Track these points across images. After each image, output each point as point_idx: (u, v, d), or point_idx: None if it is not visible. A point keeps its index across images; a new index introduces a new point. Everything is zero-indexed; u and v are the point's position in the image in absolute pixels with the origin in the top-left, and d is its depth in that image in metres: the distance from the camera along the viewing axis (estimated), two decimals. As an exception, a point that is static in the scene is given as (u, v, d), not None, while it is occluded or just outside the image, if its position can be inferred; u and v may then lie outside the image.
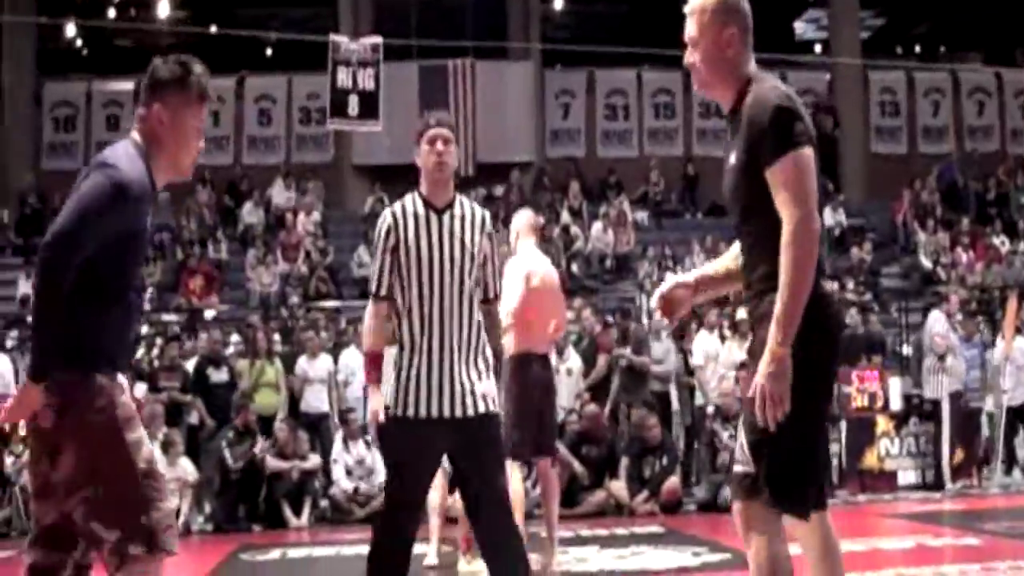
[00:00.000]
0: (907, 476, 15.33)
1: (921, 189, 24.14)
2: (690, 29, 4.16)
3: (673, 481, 13.47)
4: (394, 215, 5.85)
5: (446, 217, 5.84)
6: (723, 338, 15.47)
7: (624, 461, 13.73)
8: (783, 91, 4.02)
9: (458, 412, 5.68)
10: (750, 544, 4.05)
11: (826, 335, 3.99)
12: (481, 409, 5.72)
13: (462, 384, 5.71)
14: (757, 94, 4.00)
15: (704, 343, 15.54)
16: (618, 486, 13.42)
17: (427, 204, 5.87)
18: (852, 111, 26.06)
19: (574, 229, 22.13)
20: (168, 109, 4.28)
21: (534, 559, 8.49)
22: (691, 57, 4.17)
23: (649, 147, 25.78)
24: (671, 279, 4.49)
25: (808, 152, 3.92)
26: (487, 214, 5.99)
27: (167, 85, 4.29)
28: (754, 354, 3.97)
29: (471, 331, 5.81)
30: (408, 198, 5.92)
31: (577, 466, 13.25)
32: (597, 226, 22.18)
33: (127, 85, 24.63)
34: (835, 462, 15.53)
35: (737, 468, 4.09)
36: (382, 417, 5.70)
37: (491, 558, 5.71)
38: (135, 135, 4.31)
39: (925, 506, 13.65)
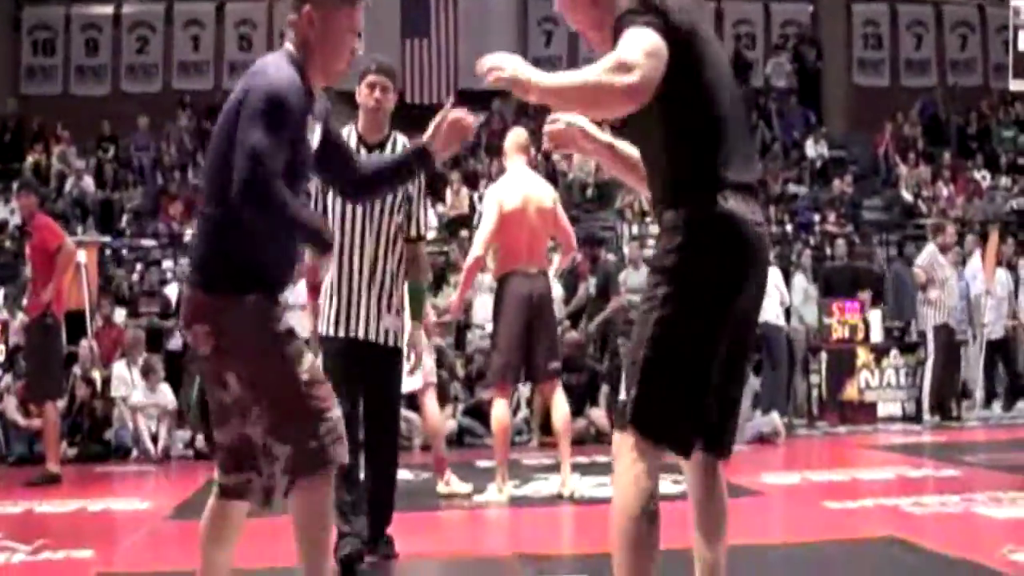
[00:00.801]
0: (887, 407, 15.38)
1: (903, 122, 24.08)
2: None
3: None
4: None
5: (376, 154, 6.14)
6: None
7: (604, 389, 13.76)
8: None
9: (371, 336, 6.24)
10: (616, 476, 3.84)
11: (716, 259, 3.64)
12: (381, 340, 6.27)
13: (369, 313, 6.23)
14: None
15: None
16: (598, 414, 13.44)
17: (360, 139, 6.25)
18: (835, 43, 25.97)
19: (555, 156, 22.01)
20: (319, 11, 4.15)
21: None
22: None
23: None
24: (580, 123, 4.14)
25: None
26: None
27: None
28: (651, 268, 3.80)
29: (386, 266, 6.25)
30: (344, 130, 6.06)
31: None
32: (578, 155, 22.09)
33: (106, 9, 24.39)
34: (815, 393, 15.61)
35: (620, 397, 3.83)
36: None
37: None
38: (287, 45, 4.22)
39: (905, 438, 13.69)
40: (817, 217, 21.15)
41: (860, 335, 15.72)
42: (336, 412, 4.07)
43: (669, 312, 3.63)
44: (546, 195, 8.84)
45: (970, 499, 8.15)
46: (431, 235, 19.61)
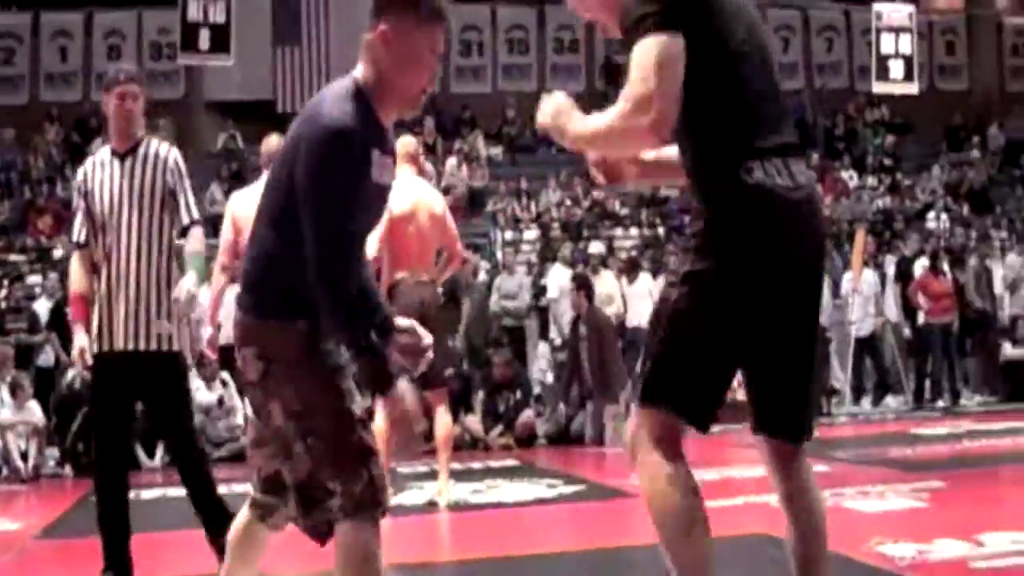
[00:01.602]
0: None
1: (772, 124, 24.39)
2: None
3: (527, 415, 13.55)
4: (85, 166, 6.25)
5: (128, 161, 6.13)
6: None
7: (479, 396, 13.80)
8: None
9: (140, 345, 6.03)
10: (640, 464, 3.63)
11: (745, 239, 3.44)
12: (153, 347, 6.06)
13: (138, 320, 6.04)
14: None
15: (558, 277, 15.65)
16: (473, 420, 13.48)
17: (112, 152, 6.19)
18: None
19: (428, 166, 22.03)
20: (396, 30, 3.83)
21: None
22: None
23: (503, 83, 25.73)
24: None
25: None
26: (173, 152, 6.23)
27: (393, 3, 3.86)
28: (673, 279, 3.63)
29: (151, 269, 6.10)
30: (100, 148, 6.31)
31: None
32: (451, 161, 22.10)
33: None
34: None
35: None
36: (89, 357, 6.07)
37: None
38: (356, 71, 3.92)
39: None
40: (688, 219, 21.34)
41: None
42: (382, 460, 3.87)
43: (688, 290, 3.50)
44: (436, 202, 8.92)
45: (839, 494, 8.27)
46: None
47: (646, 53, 3.40)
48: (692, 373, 3.54)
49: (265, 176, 8.56)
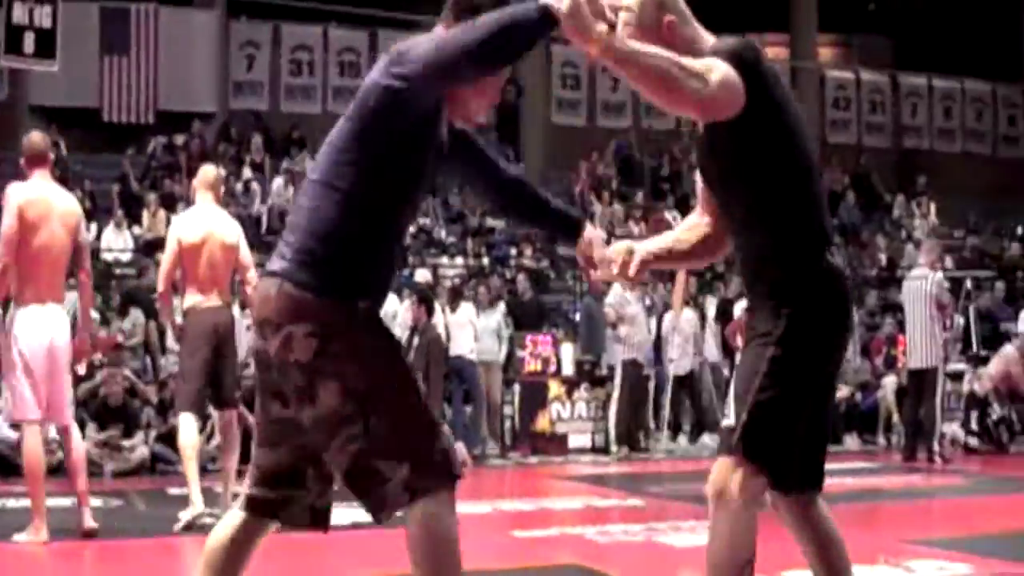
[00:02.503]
0: (577, 439, 15.72)
1: (598, 162, 24.74)
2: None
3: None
4: None
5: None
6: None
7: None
8: None
9: None
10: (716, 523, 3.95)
11: (828, 314, 3.94)
12: None
13: None
14: None
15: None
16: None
17: None
18: (535, 82, 26.47)
19: (254, 185, 21.83)
20: None
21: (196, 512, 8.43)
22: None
23: (333, 105, 25.57)
24: (629, 245, 4.31)
25: None
26: None
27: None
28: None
29: None
30: None
31: (252, 420, 13.04)
32: (279, 181, 21.91)
33: None
34: (508, 424, 15.85)
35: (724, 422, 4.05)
36: None
37: None
38: None
39: (594, 468, 14.03)
40: (514, 251, 21.50)
41: (552, 368, 16.07)
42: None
43: (783, 351, 3.86)
44: (229, 232, 9.01)
45: (652, 528, 8.39)
46: (126, 257, 19.19)
47: (720, 65, 3.74)
48: (786, 432, 3.88)
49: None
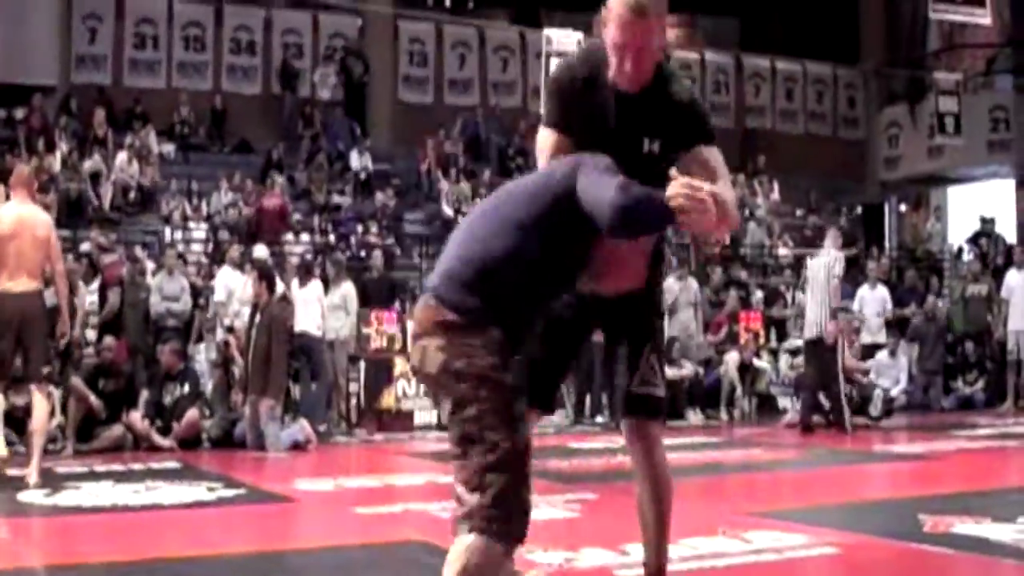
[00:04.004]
0: (423, 416, 15.74)
1: (445, 139, 24.74)
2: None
3: (192, 414, 13.28)
4: None
5: None
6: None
7: (144, 394, 13.53)
8: None
9: None
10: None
11: None
12: None
13: None
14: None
15: (226, 278, 15.48)
16: (136, 417, 13.13)
17: None
18: (382, 58, 26.37)
19: (96, 158, 21.39)
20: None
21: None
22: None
23: (177, 79, 25.21)
24: None
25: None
26: None
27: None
28: None
29: None
30: None
31: (94, 400, 12.87)
32: (122, 156, 21.51)
33: None
34: (353, 402, 15.82)
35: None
36: None
37: None
38: None
39: (440, 445, 14.02)
40: (360, 228, 21.42)
41: (397, 345, 16.06)
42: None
43: None
44: (40, 223, 9.92)
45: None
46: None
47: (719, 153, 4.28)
48: None
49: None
